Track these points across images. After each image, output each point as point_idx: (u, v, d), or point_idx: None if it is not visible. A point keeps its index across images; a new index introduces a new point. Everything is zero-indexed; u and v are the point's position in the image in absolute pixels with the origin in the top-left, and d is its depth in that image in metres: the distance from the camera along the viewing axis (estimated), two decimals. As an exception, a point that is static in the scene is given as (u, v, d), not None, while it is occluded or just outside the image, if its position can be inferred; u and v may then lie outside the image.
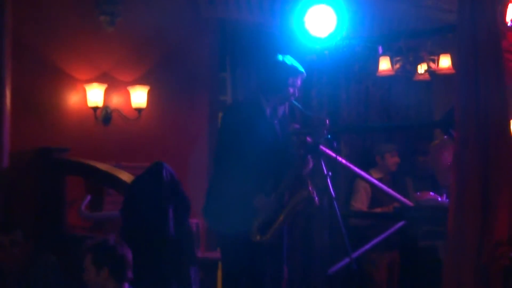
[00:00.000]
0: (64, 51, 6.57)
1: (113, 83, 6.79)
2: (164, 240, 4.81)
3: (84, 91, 6.61)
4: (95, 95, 6.59)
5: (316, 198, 4.84)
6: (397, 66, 7.49)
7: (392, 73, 7.51)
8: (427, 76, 7.66)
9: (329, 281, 5.38)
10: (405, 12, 8.00)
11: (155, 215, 4.82)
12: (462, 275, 4.72)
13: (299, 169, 4.91)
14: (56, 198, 5.93)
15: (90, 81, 6.64)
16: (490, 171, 4.65)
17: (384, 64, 7.47)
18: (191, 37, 7.32)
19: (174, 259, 4.80)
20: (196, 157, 7.17)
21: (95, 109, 6.63)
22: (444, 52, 7.41)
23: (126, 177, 5.57)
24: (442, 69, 7.48)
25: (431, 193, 6.09)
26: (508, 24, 4.93)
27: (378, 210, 6.90)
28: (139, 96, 6.81)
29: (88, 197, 6.24)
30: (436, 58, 7.47)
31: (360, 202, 6.95)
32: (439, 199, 6.05)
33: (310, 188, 4.83)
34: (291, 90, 4.96)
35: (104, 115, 6.76)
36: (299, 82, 5.00)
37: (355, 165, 6.51)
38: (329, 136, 5.03)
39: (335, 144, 5.19)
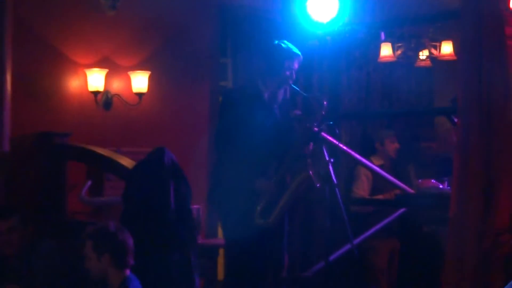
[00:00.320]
0: (65, 36, 6.53)
1: (114, 68, 6.76)
2: (166, 225, 4.80)
3: (85, 75, 6.58)
4: (96, 79, 6.57)
5: (316, 182, 4.85)
6: (399, 52, 7.50)
7: (393, 59, 7.51)
8: (428, 62, 7.66)
9: (330, 268, 5.36)
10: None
11: (157, 200, 4.81)
12: (463, 262, 4.73)
13: (299, 149, 4.93)
14: (57, 183, 5.91)
15: (91, 65, 6.62)
16: (493, 158, 4.65)
17: (386, 50, 7.47)
18: (193, 22, 7.29)
19: (176, 244, 4.80)
20: (197, 142, 7.17)
21: (95, 93, 6.61)
22: (446, 38, 7.40)
23: (126, 162, 5.56)
24: (443, 55, 7.48)
25: (432, 180, 6.09)
26: (512, 11, 4.92)
27: (379, 197, 6.89)
28: (140, 81, 6.79)
29: (89, 182, 6.22)
30: (438, 44, 7.47)
31: (362, 189, 6.94)
32: (441, 186, 6.06)
33: (310, 171, 4.85)
34: (287, 73, 4.96)
35: (105, 100, 6.74)
36: (296, 65, 5.02)
37: (356, 152, 6.51)
38: (331, 122, 5.04)
39: (337, 131, 5.20)
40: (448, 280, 4.79)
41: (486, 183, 4.64)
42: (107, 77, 6.64)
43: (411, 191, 6.43)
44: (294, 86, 5.04)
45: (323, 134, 5.21)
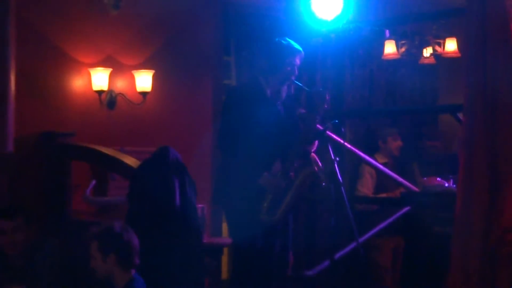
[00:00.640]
0: (69, 35, 6.53)
1: (118, 67, 6.76)
2: (171, 224, 4.79)
3: (89, 75, 6.58)
4: (100, 79, 6.56)
5: (322, 180, 4.86)
6: (403, 49, 7.48)
7: (397, 56, 7.49)
8: (432, 60, 7.64)
9: (335, 266, 5.36)
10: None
11: (162, 199, 4.81)
12: (469, 260, 4.71)
13: (304, 144, 4.94)
14: (61, 183, 5.91)
15: (94, 64, 6.61)
16: (499, 156, 4.63)
17: (390, 48, 7.45)
18: (196, 21, 7.28)
19: (182, 244, 4.79)
20: (200, 140, 7.16)
21: (99, 93, 6.60)
22: (450, 35, 7.38)
23: (131, 161, 5.55)
24: (448, 53, 7.45)
25: (438, 178, 6.08)
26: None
27: (384, 195, 6.89)
28: (144, 80, 6.78)
29: (93, 182, 6.21)
30: (442, 41, 7.44)
31: (366, 187, 6.93)
32: (446, 184, 6.04)
33: (315, 167, 4.86)
34: (288, 69, 4.97)
35: (109, 99, 6.73)
36: (297, 61, 5.03)
37: (359, 150, 6.50)
38: (336, 121, 5.04)
39: (342, 130, 5.20)
40: (454, 278, 4.77)
41: (492, 181, 4.62)
42: (111, 76, 6.63)
43: (416, 189, 6.42)
44: (297, 82, 5.05)
45: (328, 132, 5.21)
